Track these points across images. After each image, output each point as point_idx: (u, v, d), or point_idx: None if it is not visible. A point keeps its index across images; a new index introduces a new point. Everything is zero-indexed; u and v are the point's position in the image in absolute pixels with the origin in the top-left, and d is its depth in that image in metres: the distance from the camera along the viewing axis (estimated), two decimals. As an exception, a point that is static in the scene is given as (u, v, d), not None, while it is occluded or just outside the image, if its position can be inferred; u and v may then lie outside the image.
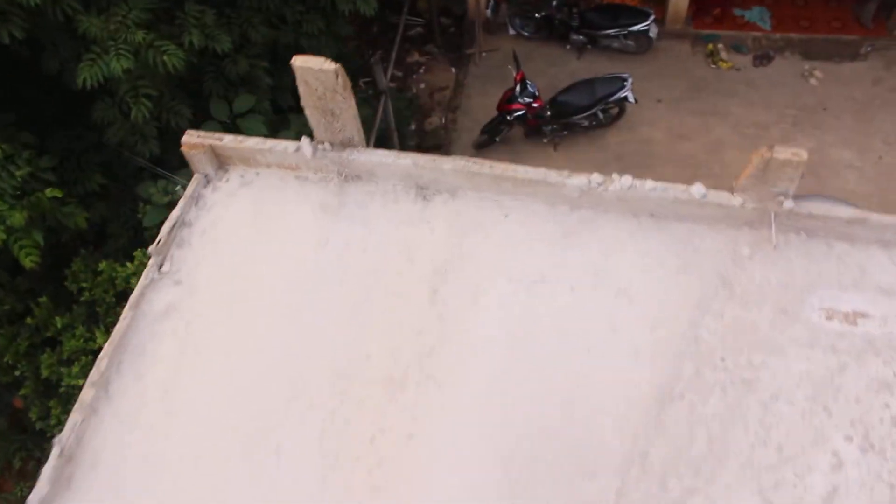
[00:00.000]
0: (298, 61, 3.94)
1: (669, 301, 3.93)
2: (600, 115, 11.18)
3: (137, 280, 4.31)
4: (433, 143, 11.77)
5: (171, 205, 5.04)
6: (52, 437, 6.78)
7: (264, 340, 4.04)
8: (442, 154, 11.61)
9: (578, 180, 4.14)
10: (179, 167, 7.99)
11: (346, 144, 4.37)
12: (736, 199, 4.02)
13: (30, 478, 8.17)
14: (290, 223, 4.37)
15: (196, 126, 6.82)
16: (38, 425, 7.22)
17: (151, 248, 4.28)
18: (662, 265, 4.03)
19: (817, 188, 10.29)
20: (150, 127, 7.33)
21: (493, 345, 3.90)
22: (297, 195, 4.47)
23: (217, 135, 4.52)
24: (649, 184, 4.07)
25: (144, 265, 6.97)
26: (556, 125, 11.25)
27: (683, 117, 11.52)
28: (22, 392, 7.29)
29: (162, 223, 4.40)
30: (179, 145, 4.50)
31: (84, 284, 7.16)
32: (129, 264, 6.85)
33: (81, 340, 6.97)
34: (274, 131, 7.78)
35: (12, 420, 8.28)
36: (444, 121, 11.92)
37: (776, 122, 11.32)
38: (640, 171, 10.76)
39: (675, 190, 4.05)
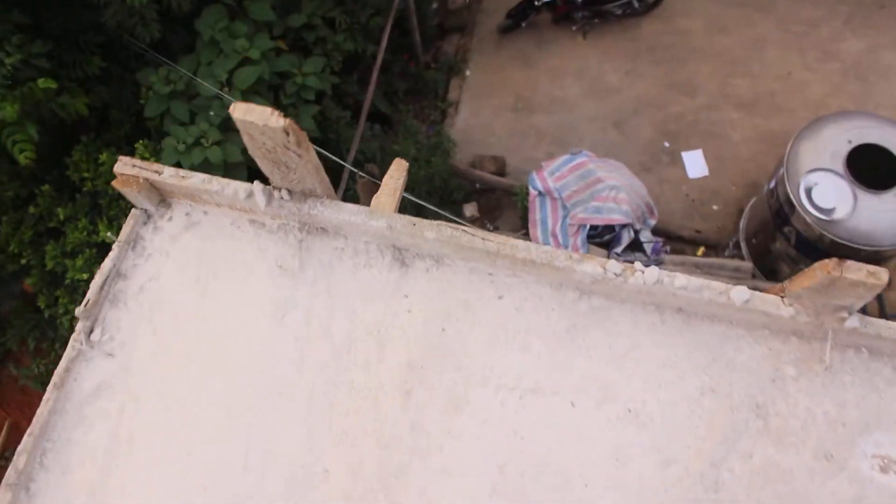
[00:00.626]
0: (238, 112, 3.06)
1: (689, 431, 3.23)
2: (635, 3, 9.89)
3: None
4: (456, 23, 10.58)
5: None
6: (61, 323, 6.95)
7: (208, 436, 3.44)
8: (465, 37, 10.53)
9: (591, 267, 3.30)
10: (182, 52, 7.43)
11: (307, 195, 3.56)
12: (786, 310, 3.20)
13: (45, 356, 8.32)
14: (242, 284, 3.64)
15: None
16: (47, 313, 7.23)
17: (79, 311, 3.60)
18: (684, 380, 3.29)
19: (863, 95, 9.15)
20: (151, 10, 6.75)
21: (474, 469, 3.27)
22: (251, 247, 3.70)
23: (155, 167, 3.70)
24: (679, 280, 3.24)
25: (147, 159, 6.63)
26: (587, 12, 10.01)
27: (725, 8, 10.21)
28: (29, 281, 7.25)
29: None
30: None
31: (85, 174, 6.99)
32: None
33: (85, 233, 6.91)
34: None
35: (25, 301, 8.27)
36: (468, 0, 10.64)
37: (826, 20, 9.99)
38: (672, 66, 9.70)
39: (712, 291, 3.23)
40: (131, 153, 6.94)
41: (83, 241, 6.92)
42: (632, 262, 8.18)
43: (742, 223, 8.91)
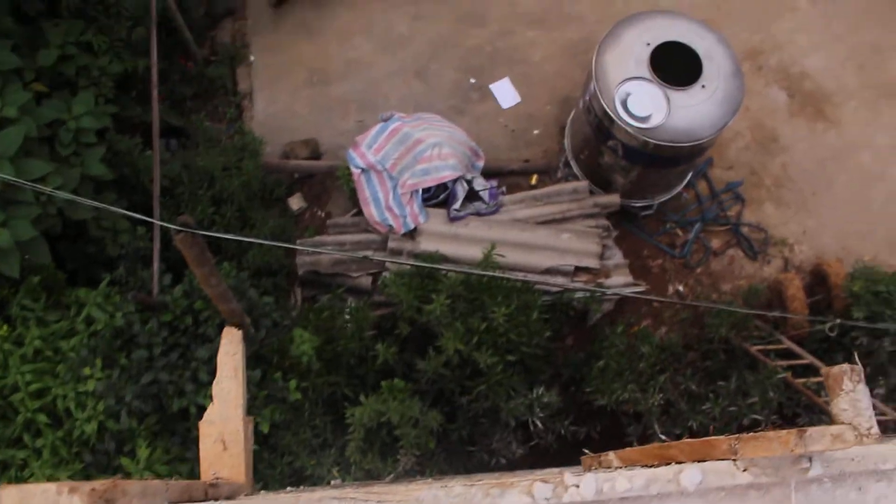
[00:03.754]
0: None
1: None
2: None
3: None
4: (224, 7, 9.78)
5: None
6: None
7: None
8: (237, 19, 9.77)
9: (517, 497, 2.84)
10: None
11: None
12: (743, 476, 2.97)
13: None
14: None
15: None
16: None
17: None
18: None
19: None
20: None
21: None
22: None
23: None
24: (621, 483, 2.85)
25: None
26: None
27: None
28: None
29: None
30: None
31: None
32: None
33: None
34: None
35: None
36: (234, -22, 9.85)
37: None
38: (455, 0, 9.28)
39: (660, 482, 2.91)
40: None
41: None
42: (473, 214, 8.07)
43: (566, 142, 8.91)
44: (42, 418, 6.13)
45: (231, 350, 3.45)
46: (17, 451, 6.20)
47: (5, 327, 6.42)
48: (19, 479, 6.17)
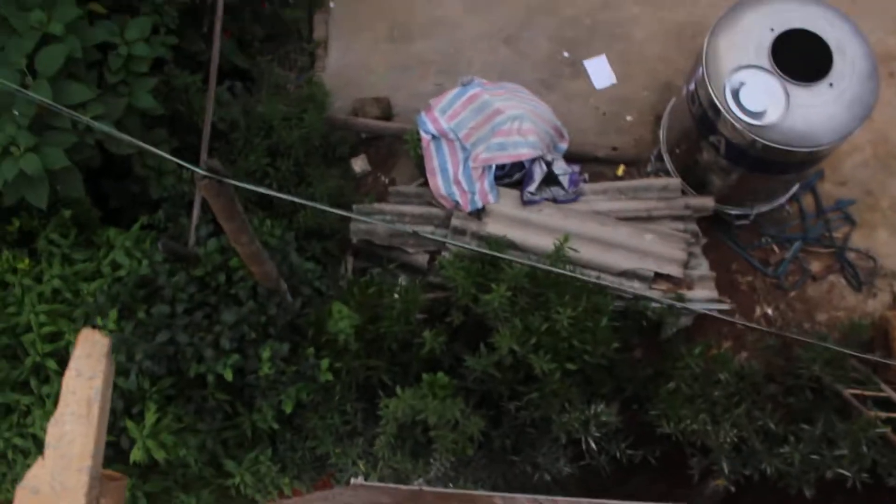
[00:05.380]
0: None
1: None
2: None
3: None
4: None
5: None
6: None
7: None
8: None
9: None
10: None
11: None
12: None
13: None
14: None
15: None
16: None
17: None
18: None
19: None
20: None
21: None
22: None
23: None
24: None
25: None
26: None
27: None
28: None
29: None
30: None
31: None
32: None
33: None
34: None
35: None
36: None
37: None
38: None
39: None
40: None
41: None
42: (549, 200, 7.30)
43: (662, 133, 8.02)
44: (52, 364, 5.63)
45: (88, 370, 2.17)
46: (21, 395, 5.73)
47: (27, 261, 5.94)
48: (21, 427, 5.71)
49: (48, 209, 5.91)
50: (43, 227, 6.24)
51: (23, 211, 6.28)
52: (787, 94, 6.35)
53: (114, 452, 5.49)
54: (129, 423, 5.38)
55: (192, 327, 5.53)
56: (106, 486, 2.47)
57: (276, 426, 5.90)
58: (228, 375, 5.44)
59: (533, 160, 7.37)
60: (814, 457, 6.36)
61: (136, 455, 5.37)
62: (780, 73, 6.37)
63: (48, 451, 2.53)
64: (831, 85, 6.36)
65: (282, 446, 6.26)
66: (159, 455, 5.37)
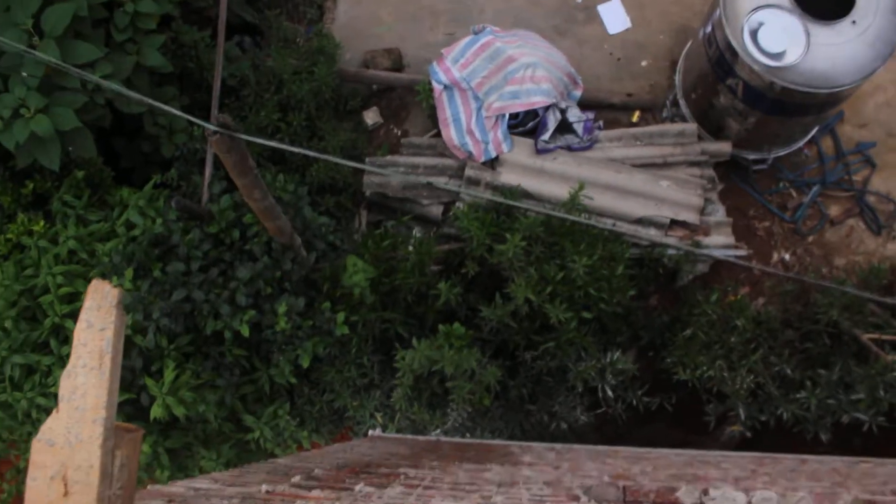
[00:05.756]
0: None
1: None
2: None
3: None
4: None
5: None
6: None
7: None
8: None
9: None
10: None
11: None
12: None
13: None
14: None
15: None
16: None
17: None
18: None
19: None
20: None
21: None
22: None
23: None
24: None
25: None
26: None
27: None
28: None
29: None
30: None
31: None
32: None
33: None
34: None
35: None
36: None
37: None
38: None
39: None
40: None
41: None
42: (563, 148, 7.21)
43: (677, 78, 7.87)
44: (70, 325, 5.68)
45: (99, 321, 2.13)
46: (42, 356, 5.80)
47: (42, 223, 5.97)
48: (43, 387, 5.79)
49: (61, 170, 5.93)
50: (56, 189, 6.27)
51: (36, 173, 6.30)
52: (808, 34, 6.20)
53: (134, 409, 5.58)
54: (149, 381, 5.45)
55: (207, 284, 5.55)
56: (121, 438, 2.51)
57: (293, 380, 5.95)
58: (245, 331, 5.47)
59: (547, 108, 7.28)
60: (830, 401, 6.35)
61: (156, 412, 5.45)
62: (801, 12, 6.21)
63: (62, 403, 2.55)
64: (854, 22, 6.19)
65: (300, 400, 6.32)
66: (179, 411, 5.44)
